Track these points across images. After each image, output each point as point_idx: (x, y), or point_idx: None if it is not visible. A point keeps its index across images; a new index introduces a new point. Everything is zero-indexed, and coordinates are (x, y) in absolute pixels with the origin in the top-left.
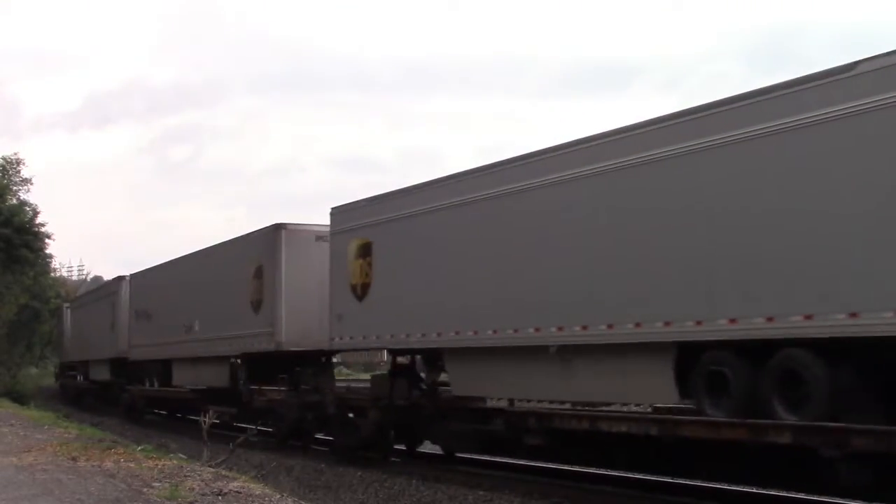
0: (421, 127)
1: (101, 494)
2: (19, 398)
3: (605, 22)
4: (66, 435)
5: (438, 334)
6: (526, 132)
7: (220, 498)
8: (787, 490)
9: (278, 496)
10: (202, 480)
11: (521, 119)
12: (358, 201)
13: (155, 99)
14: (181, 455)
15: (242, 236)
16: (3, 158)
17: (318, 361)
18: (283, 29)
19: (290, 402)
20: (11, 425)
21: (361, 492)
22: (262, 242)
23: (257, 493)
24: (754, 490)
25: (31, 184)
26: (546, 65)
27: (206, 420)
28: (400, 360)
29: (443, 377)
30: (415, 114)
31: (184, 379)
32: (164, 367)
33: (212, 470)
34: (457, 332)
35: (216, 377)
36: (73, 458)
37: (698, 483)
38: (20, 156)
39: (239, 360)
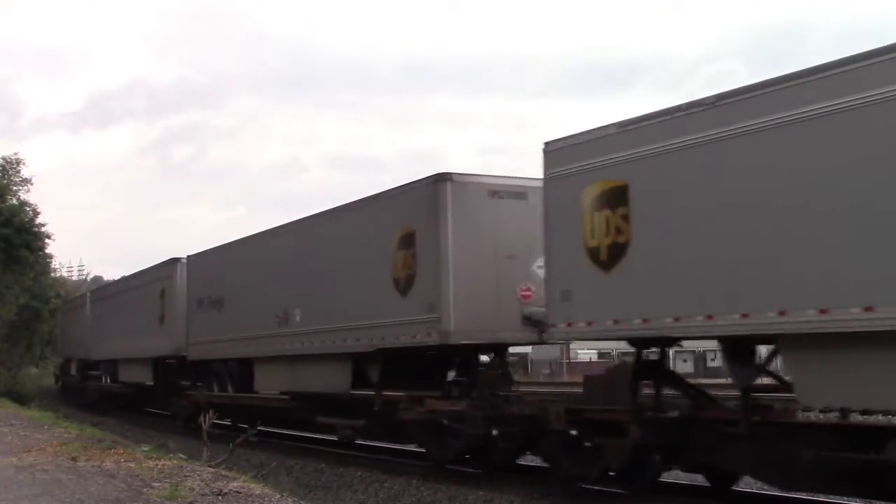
0: (421, 127)
1: (101, 494)
2: (19, 398)
3: (605, 22)
4: (66, 435)
5: (781, 313)
6: (526, 132)
7: (220, 498)
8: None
9: (278, 496)
10: (202, 480)
11: (521, 119)
12: (599, 128)
13: (157, 99)
14: (181, 455)
15: (378, 195)
16: (3, 158)
17: (470, 360)
18: (283, 29)
19: (473, 413)
20: (11, 425)
21: (361, 492)
22: (413, 201)
23: (257, 493)
24: (754, 490)
25: (31, 184)
26: (547, 64)
27: (206, 420)
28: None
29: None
30: (415, 114)
31: (272, 382)
32: (241, 368)
33: (212, 470)
34: (822, 311)
35: (328, 381)
36: (73, 458)
37: (698, 483)
38: (20, 156)
39: (351, 360)
